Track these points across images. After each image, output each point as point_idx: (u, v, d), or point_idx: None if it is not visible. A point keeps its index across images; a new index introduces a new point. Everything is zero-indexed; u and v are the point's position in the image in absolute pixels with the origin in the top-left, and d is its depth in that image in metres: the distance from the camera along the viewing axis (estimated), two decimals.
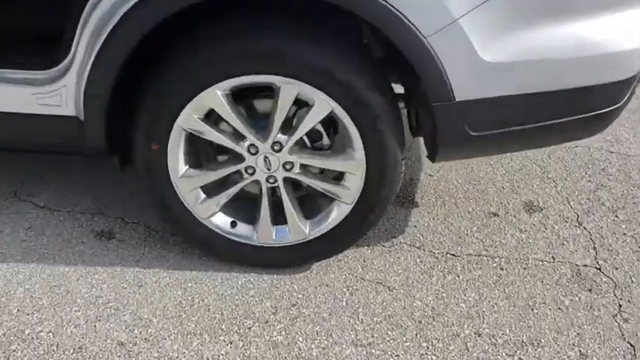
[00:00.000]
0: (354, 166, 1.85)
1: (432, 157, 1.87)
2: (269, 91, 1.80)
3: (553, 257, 2.17)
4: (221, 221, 2.00)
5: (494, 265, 2.14)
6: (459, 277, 2.08)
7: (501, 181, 2.57)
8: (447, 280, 2.06)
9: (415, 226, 2.31)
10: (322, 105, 1.75)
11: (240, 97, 1.83)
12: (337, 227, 1.96)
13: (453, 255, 2.18)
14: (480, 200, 2.46)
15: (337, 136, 1.92)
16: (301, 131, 1.82)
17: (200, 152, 1.97)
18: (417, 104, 1.87)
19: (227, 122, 1.82)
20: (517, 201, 2.46)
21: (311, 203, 2.01)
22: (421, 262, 2.14)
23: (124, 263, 2.10)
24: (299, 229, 1.97)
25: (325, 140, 1.92)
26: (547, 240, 2.25)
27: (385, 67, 1.90)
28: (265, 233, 1.99)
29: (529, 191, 2.51)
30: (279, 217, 1.98)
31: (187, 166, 1.91)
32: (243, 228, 2.02)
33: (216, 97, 1.76)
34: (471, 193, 2.50)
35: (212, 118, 1.85)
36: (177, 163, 1.89)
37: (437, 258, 2.16)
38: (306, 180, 1.91)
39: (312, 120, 1.79)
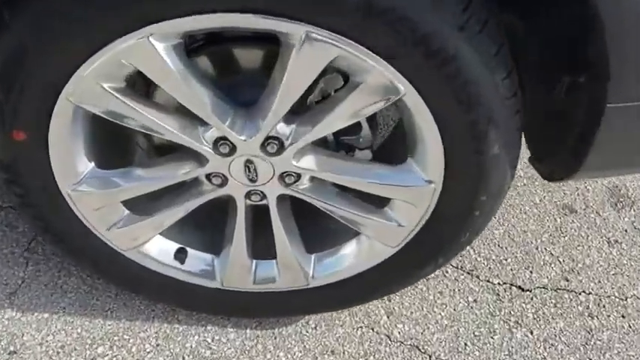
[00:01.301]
0: (415, 195, 0.97)
1: (561, 177, 1.01)
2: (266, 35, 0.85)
3: None
4: (158, 250, 1.12)
5: (581, 308, 1.41)
6: (532, 333, 1.34)
7: None
8: (515, 342, 1.32)
9: None
10: (382, 86, 0.83)
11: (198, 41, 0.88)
12: (364, 275, 1.12)
13: (521, 288, 1.42)
14: (547, 183, 1.67)
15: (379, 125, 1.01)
16: (328, 126, 0.90)
17: (123, 140, 1.02)
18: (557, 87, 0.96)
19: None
20: (598, 186, 1.68)
21: (313, 219, 1.16)
22: (475, 302, 1.38)
23: None
24: (296, 270, 1.12)
25: (365, 133, 1.01)
26: None
27: None
28: (237, 273, 1.14)
29: None
30: (261, 240, 1.12)
31: (93, 164, 0.98)
32: (197, 259, 1.15)
33: (148, 50, 0.80)
34: (535, 172, 1.69)
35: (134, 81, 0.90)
36: (72, 163, 0.95)
37: (498, 294, 1.40)
38: (317, 203, 1.03)
39: (355, 110, 0.87)
